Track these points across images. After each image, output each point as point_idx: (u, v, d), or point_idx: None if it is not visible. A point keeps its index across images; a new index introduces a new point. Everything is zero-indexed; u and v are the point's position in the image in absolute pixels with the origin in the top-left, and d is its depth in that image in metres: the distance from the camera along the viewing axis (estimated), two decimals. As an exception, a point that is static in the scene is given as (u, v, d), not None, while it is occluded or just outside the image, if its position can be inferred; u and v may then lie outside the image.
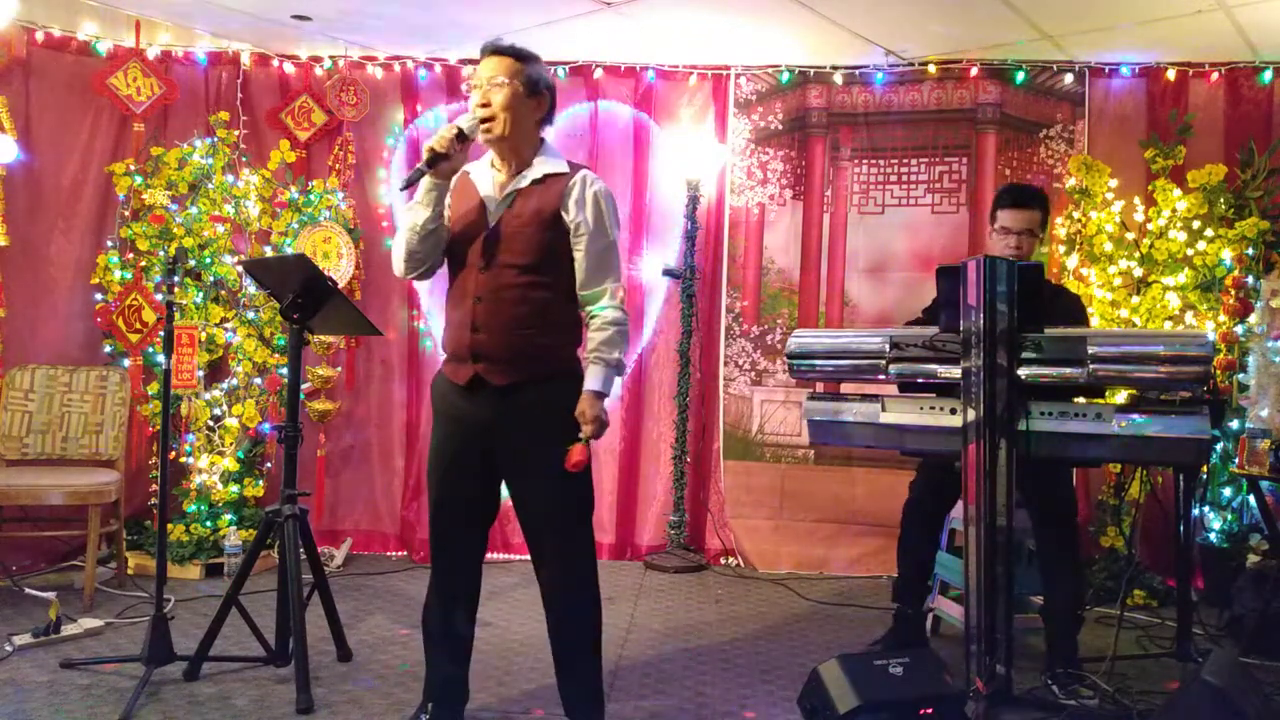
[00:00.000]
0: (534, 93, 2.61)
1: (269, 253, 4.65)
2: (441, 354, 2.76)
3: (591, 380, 2.59)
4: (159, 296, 4.45)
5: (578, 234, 2.60)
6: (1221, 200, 4.41)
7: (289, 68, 5.02)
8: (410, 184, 2.59)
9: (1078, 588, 3.35)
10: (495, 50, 2.61)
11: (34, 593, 4.02)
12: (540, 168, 2.63)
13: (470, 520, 2.75)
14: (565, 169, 2.65)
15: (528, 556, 4.34)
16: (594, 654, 2.76)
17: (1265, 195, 4.49)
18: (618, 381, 2.80)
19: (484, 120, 2.57)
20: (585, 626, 2.74)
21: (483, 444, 2.63)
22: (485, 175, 2.68)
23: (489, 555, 4.86)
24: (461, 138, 2.56)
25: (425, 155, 2.55)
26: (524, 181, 2.61)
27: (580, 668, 2.74)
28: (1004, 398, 2.75)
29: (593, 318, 2.65)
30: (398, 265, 2.70)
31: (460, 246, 2.65)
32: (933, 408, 2.94)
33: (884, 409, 3.02)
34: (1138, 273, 4.42)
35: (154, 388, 4.48)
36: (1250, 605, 3.75)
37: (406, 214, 2.67)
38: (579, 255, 2.61)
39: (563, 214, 2.59)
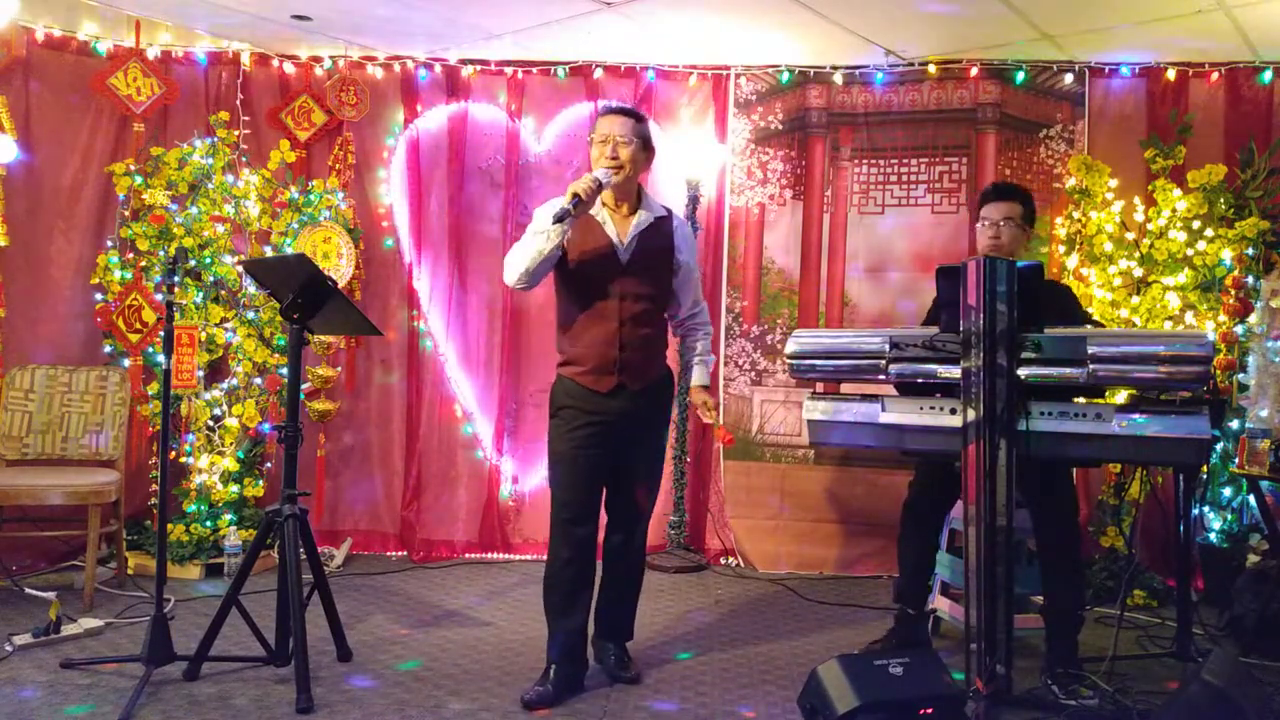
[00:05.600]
0: (647, 147, 3.19)
1: (269, 253, 4.65)
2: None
3: (701, 377, 3.42)
4: (159, 296, 4.45)
5: (685, 268, 3.29)
6: (1221, 200, 4.41)
7: (289, 68, 5.02)
8: (560, 220, 2.98)
9: (1078, 588, 3.34)
10: (619, 111, 3.19)
11: (34, 593, 4.02)
12: (649, 212, 3.20)
13: (595, 490, 3.22)
14: (664, 212, 3.26)
15: (528, 556, 4.53)
16: (639, 590, 3.45)
17: (1265, 195, 4.48)
18: None
19: (616, 169, 3.10)
20: (642, 568, 3.46)
21: (610, 431, 3.16)
22: (600, 213, 3.16)
23: (490, 555, 4.96)
24: (599, 185, 3.05)
25: (569, 200, 2.96)
26: (643, 225, 3.17)
27: (630, 604, 3.41)
28: (1004, 398, 2.75)
29: (692, 330, 3.42)
30: (514, 278, 3.11)
31: (591, 275, 3.13)
32: (933, 408, 2.94)
33: (884, 409, 3.02)
34: (1138, 273, 4.42)
35: (154, 388, 4.48)
36: (1250, 605, 3.75)
37: (535, 238, 3.05)
38: (687, 283, 3.32)
39: (676, 255, 3.25)
